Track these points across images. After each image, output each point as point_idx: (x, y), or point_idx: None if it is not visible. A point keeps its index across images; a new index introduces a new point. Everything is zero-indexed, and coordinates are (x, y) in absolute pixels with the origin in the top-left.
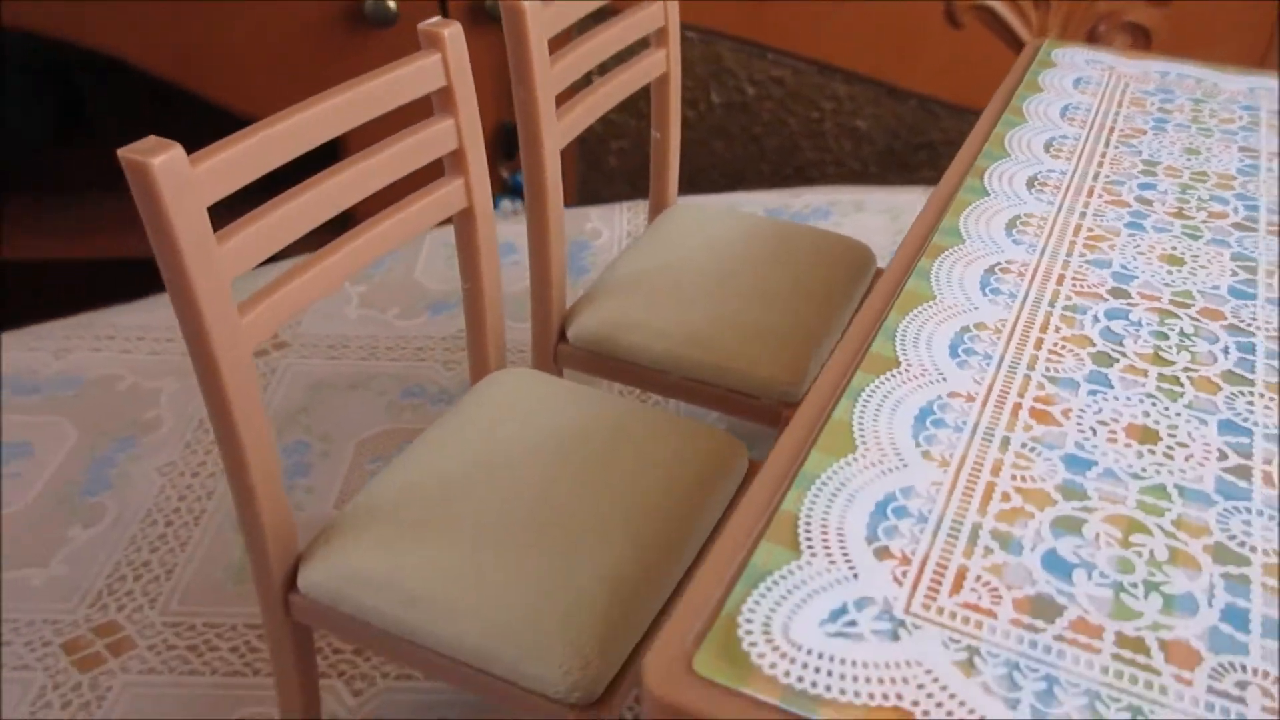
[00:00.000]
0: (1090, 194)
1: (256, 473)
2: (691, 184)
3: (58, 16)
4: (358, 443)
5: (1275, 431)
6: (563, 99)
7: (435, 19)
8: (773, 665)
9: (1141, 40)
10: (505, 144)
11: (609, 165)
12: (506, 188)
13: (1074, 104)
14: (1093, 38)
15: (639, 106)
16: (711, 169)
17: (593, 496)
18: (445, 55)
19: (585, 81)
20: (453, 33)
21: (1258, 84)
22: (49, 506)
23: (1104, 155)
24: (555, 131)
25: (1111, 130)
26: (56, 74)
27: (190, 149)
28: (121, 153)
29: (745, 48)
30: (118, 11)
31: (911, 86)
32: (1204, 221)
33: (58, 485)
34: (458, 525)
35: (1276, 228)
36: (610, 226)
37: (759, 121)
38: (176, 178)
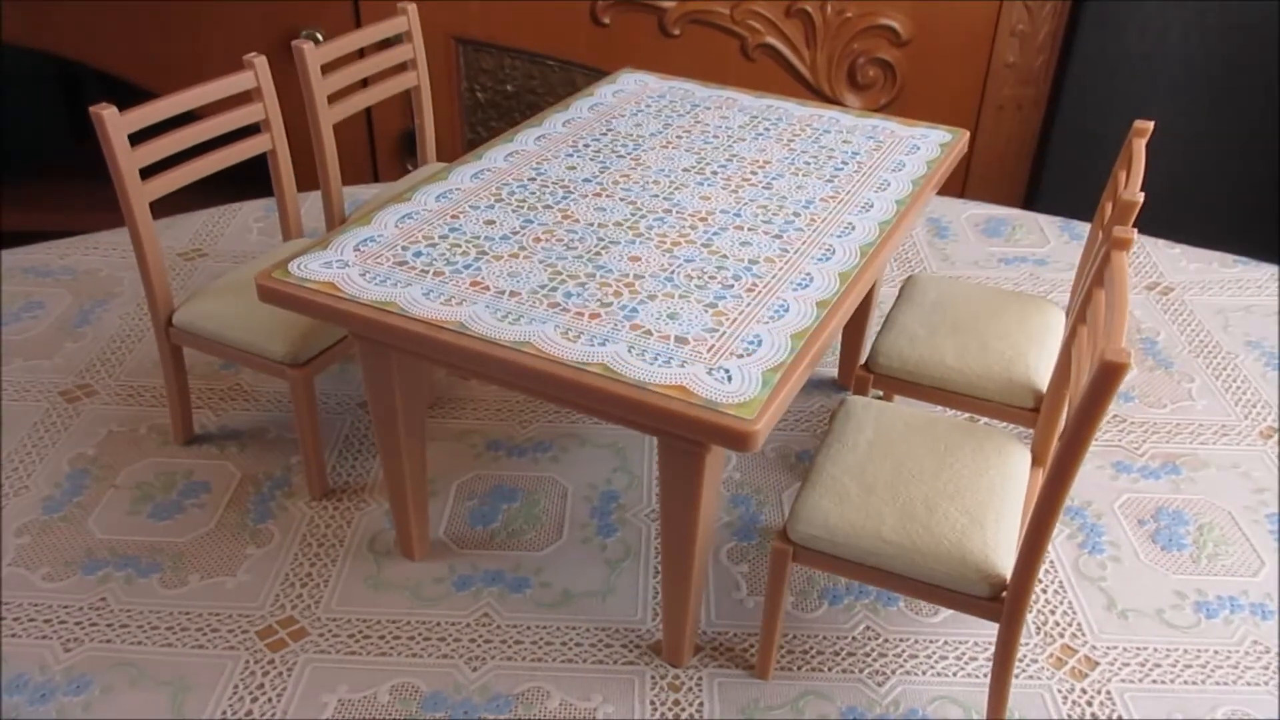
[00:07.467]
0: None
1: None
2: None
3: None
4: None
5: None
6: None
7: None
8: None
9: (889, 72)
10: (408, 145)
11: None
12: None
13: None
14: (852, 70)
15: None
16: None
17: None
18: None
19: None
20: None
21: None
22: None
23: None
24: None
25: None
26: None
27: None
28: (91, 109)
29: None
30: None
31: None
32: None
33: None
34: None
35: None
36: None
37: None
38: (115, 120)
